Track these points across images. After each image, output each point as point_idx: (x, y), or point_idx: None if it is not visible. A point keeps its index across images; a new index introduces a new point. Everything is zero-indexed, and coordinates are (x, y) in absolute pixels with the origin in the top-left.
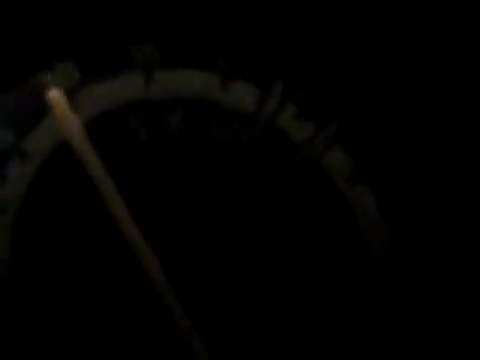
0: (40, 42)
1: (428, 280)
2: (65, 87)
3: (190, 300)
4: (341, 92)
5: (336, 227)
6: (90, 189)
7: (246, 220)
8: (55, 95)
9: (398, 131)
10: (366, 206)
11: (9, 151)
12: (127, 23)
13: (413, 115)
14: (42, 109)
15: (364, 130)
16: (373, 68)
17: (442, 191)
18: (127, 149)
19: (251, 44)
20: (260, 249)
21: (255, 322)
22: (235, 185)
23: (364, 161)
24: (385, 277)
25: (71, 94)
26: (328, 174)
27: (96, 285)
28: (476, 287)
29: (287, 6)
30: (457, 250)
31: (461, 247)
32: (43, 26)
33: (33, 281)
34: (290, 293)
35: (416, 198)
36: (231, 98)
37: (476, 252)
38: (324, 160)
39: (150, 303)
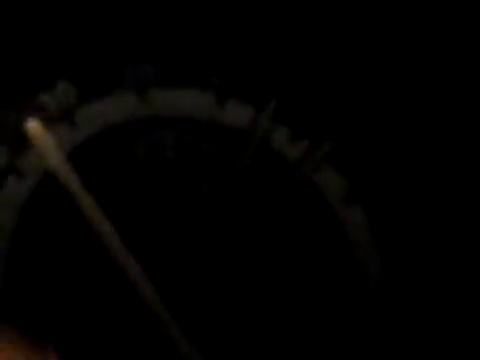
0: (37, 60)
1: (420, 298)
2: (62, 106)
3: (183, 317)
4: (336, 111)
5: (329, 246)
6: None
7: (240, 239)
8: (33, 126)
9: (391, 151)
10: (359, 226)
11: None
12: (122, 42)
13: (407, 135)
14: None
15: (358, 150)
16: (367, 88)
17: (435, 211)
18: (122, 168)
19: (245, 63)
20: (254, 267)
21: (248, 339)
22: (229, 204)
23: (358, 181)
24: (377, 295)
25: (67, 113)
26: (322, 194)
27: (90, 304)
28: (468, 303)
29: (281, 26)
30: (450, 273)
31: (453, 270)
32: (40, 44)
33: (28, 294)
34: (284, 310)
35: (409, 218)
36: (225, 117)
37: (469, 276)
38: (318, 179)
39: (145, 324)
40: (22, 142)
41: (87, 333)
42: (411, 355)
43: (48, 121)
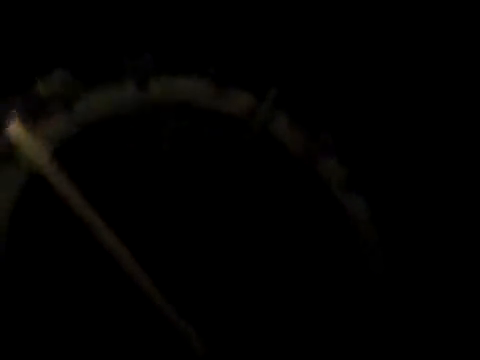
0: (36, 49)
1: (421, 285)
2: (61, 95)
3: (184, 310)
4: (336, 99)
5: (330, 232)
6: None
7: (242, 226)
8: (15, 130)
9: (391, 139)
10: (359, 213)
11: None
12: (121, 31)
13: (406, 124)
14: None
15: (358, 138)
16: (366, 76)
17: (435, 199)
18: (118, 158)
19: (245, 50)
20: (256, 253)
21: (251, 327)
22: (230, 192)
23: (358, 169)
24: (378, 281)
25: (67, 103)
26: (323, 181)
27: (87, 296)
28: (468, 291)
29: (281, 14)
30: (450, 261)
31: (453, 258)
32: (39, 33)
33: (24, 293)
34: (286, 296)
35: (408, 206)
36: (225, 105)
37: (468, 264)
38: (319, 167)
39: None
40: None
41: (85, 328)
42: (413, 348)
43: (42, 112)
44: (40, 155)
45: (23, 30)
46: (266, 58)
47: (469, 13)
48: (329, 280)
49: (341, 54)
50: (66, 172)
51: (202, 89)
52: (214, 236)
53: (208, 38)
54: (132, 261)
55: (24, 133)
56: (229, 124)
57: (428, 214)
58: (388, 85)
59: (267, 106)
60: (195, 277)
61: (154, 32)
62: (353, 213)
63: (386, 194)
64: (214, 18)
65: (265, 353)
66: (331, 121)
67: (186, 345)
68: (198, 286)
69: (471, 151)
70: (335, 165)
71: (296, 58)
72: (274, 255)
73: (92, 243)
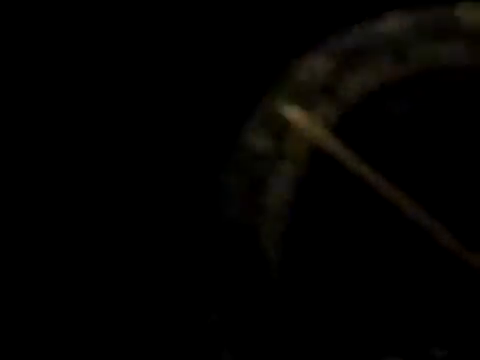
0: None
1: None
2: (323, 78)
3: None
4: None
5: None
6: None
7: None
8: (293, 114)
9: None
10: None
11: None
12: None
13: None
14: None
15: None
16: None
17: None
18: (387, 131)
19: None
20: None
21: None
22: None
23: None
24: None
25: (327, 87)
26: None
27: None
28: None
29: None
30: None
31: None
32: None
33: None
34: None
35: None
36: None
37: None
38: None
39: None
40: (284, 127)
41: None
42: None
43: (308, 99)
44: (319, 133)
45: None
46: None
47: None
48: None
49: None
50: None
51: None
52: None
53: None
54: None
55: (302, 113)
56: None
57: None
58: None
59: None
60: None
61: None
62: None
63: None
64: None
65: None
66: None
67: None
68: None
69: None
70: None
71: None
72: None
73: (386, 215)
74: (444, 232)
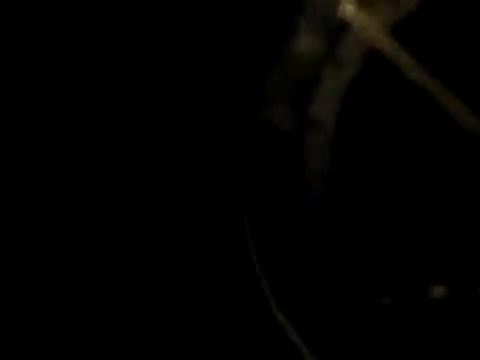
0: None
1: None
2: None
3: None
4: None
5: None
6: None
7: None
8: (349, 9)
9: None
10: None
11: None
12: None
13: None
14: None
15: None
16: None
17: None
18: (447, 37)
19: None
20: None
21: None
22: None
23: None
24: None
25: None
26: None
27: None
28: None
29: None
30: None
31: None
32: None
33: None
34: None
35: None
36: None
37: None
38: None
39: None
40: (339, 29)
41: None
42: None
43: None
44: (378, 33)
45: None
46: None
47: None
48: None
49: None
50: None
51: None
52: None
53: None
54: None
55: (359, 11)
56: None
57: None
58: None
59: None
60: None
61: None
62: None
63: None
64: None
65: None
66: None
67: None
68: None
69: None
70: None
71: None
72: None
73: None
74: None
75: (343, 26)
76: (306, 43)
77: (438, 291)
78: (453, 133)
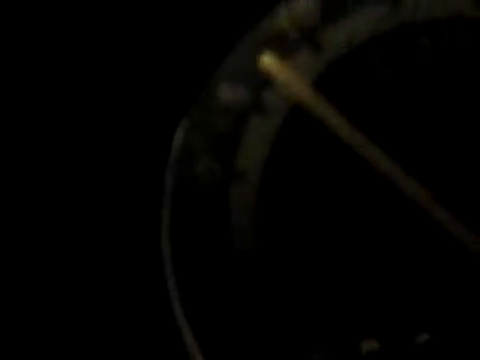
0: None
1: None
2: (305, 25)
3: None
4: None
5: None
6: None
7: None
8: (268, 60)
9: None
10: None
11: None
12: None
13: None
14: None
15: None
16: None
17: None
18: (374, 86)
19: None
20: None
21: None
22: None
23: None
24: None
25: (312, 33)
26: None
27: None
28: None
29: None
30: None
31: None
32: None
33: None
34: None
35: None
36: None
37: None
38: None
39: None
40: (262, 78)
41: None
42: None
43: (288, 48)
44: (298, 85)
45: None
46: None
47: None
48: None
49: None
50: (327, 100)
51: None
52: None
53: None
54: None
55: (280, 62)
56: None
57: None
58: None
59: None
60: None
61: None
62: None
63: None
64: None
65: None
66: None
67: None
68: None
69: None
70: None
71: None
72: None
73: (364, 171)
74: (429, 198)
75: (266, 77)
76: (226, 93)
77: (370, 344)
78: (378, 186)
